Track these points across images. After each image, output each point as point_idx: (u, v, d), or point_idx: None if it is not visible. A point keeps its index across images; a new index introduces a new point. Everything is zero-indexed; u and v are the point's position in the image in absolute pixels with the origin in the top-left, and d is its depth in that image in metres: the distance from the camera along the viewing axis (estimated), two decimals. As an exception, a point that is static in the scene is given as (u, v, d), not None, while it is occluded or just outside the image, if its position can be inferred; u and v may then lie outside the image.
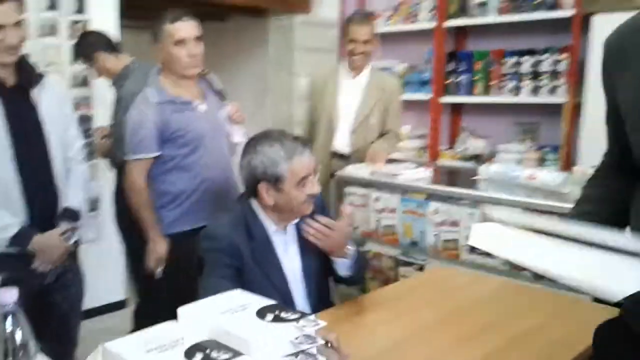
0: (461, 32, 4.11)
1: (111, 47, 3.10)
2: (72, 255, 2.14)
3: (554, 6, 3.45)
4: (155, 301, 2.63)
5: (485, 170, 2.66)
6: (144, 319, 3.35)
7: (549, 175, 2.39)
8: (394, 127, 3.21)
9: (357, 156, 3.08)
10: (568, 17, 3.40)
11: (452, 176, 3.13)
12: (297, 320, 1.25)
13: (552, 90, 3.51)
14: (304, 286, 1.83)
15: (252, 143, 1.77)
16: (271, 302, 1.38)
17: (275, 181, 1.71)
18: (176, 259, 2.48)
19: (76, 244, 2.15)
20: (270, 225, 1.79)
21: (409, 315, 1.74)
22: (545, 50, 3.56)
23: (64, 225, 2.04)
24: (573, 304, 1.83)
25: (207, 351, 1.13)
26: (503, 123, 3.94)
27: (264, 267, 1.75)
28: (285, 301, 1.69)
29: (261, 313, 1.30)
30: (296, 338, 1.20)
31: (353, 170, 2.88)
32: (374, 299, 1.92)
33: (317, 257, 1.85)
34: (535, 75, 3.60)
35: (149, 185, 2.42)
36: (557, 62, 3.47)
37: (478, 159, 3.83)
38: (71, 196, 2.08)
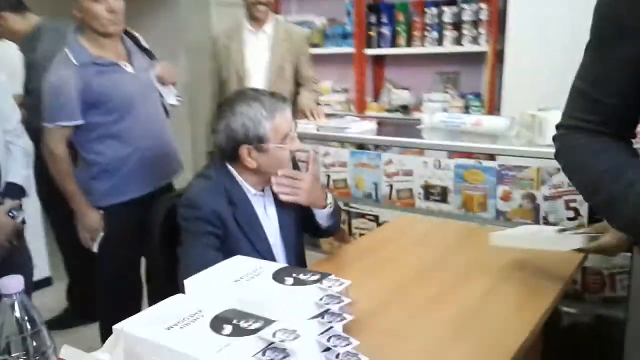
0: (380, -16, 4.12)
1: (16, 5, 2.78)
2: (19, 234, 1.94)
3: (473, -44, 3.54)
4: (91, 277, 2.49)
5: (429, 119, 2.72)
6: (80, 296, 3.17)
7: (495, 121, 2.49)
8: (310, 75, 3.19)
9: None
10: (486, -33, 3.50)
11: (396, 127, 3.17)
12: (319, 281, 1.22)
13: (474, 40, 3.63)
14: (283, 248, 1.80)
15: (228, 105, 1.67)
16: (280, 264, 1.34)
17: (259, 142, 1.64)
18: (113, 232, 2.34)
19: (23, 221, 1.95)
20: (249, 188, 1.73)
21: (393, 265, 1.76)
22: (465, 0, 3.66)
23: (8, 202, 1.83)
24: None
25: (235, 321, 1.07)
26: (425, 73, 4.04)
27: (247, 232, 1.69)
28: None
29: (278, 277, 1.26)
30: (321, 299, 1.18)
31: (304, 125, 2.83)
32: (350, 255, 1.92)
33: (293, 215, 1.82)
34: (457, 25, 3.69)
35: (79, 155, 2.25)
36: (479, 11, 3.58)
37: (405, 109, 3.91)
38: (13, 171, 1.87)
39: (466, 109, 3.72)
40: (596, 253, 1.57)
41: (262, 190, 1.76)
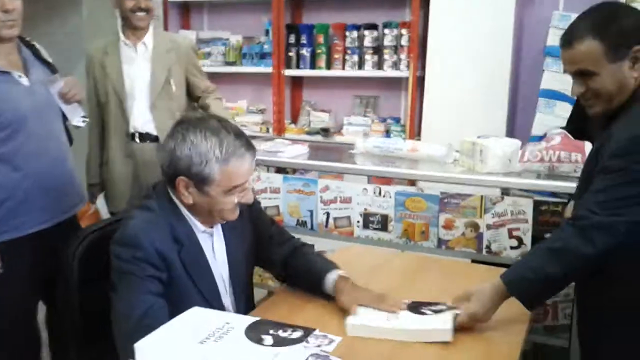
0: (298, 4, 4.04)
1: None
2: None
3: (394, -18, 3.56)
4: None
5: (362, 144, 2.64)
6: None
7: (432, 147, 2.46)
8: (208, 85, 2.79)
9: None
10: (407, -7, 3.53)
11: (327, 152, 3.06)
12: (303, 339, 1.07)
13: (395, 65, 3.64)
14: (231, 288, 1.60)
15: (183, 127, 1.43)
16: (249, 318, 1.17)
17: (201, 182, 1.42)
18: (5, 274, 1.99)
19: None
20: (197, 224, 1.52)
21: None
22: (385, 25, 3.66)
23: None
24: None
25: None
26: (344, 96, 4.00)
27: (194, 275, 1.48)
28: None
29: (253, 336, 1.08)
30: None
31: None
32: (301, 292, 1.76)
33: (243, 250, 1.64)
34: (378, 49, 3.69)
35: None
36: (400, 36, 3.59)
37: (325, 132, 3.83)
38: None
39: (387, 134, 3.71)
40: (469, 325, 1.45)
41: (211, 227, 1.56)
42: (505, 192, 2.31)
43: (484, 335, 1.45)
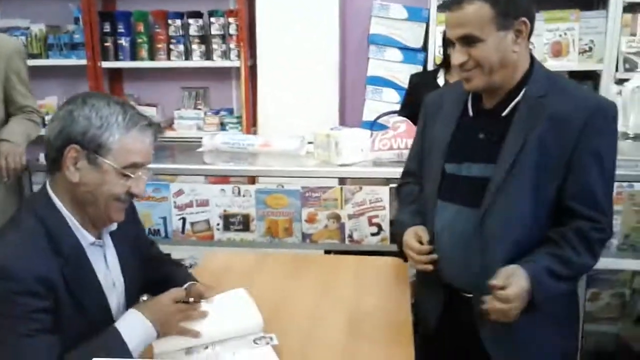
0: (109, -10, 3.69)
1: None
2: None
3: (216, -32, 3.42)
4: None
5: (210, 142, 2.52)
6: None
7: (285, 141, 2.43)
8: (26, 104, 2.40)
9: None
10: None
11: (164, 150, 2.85)
12: None
13: (224, 54, 3.52)
14: (125, 305, 1.38)
15: (82, 95, 1.25)
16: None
17: (95, 149, 1.20)
18: None
19: None
20: (83, 234, 1.27)
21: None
22: (211, 14, 3.52)
23: None
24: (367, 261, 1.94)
25: None
26: (171, 88, 3.77)
27: (81, 298, 1.24)
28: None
29: None
30: None
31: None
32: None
33: (138, 266, 1.44)
34: (204, 38, 3.53)
35: None
36: (227, 25, 3.48)
37: (156, 126, 3.57)
38: None
39: (222, 126, 3.60)
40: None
41: (100, 238, 1.32)
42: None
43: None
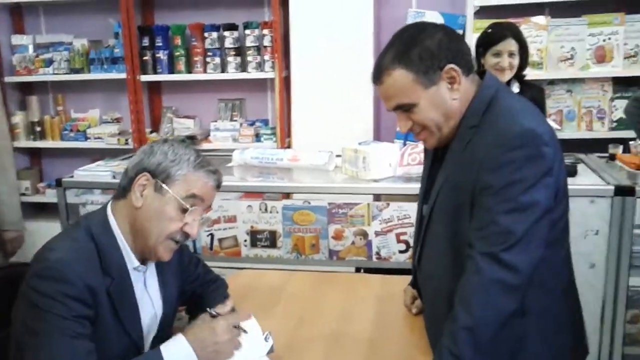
0: (149, 4, 3.77)
1: None
2: None
3: (251, -19, 3.44)
4: None
5: (240, 156, 2.53)
6: None
7: (313, 156, 2.41)
8: None
9: None
10: (266, -7, 3.44)
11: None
12: None
13: (259, 66, 3.54)
14: (158, 327, 1.44)
15: (166, 138, 1.42)
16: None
17: (163, 179, 1.30)
18: None
19: None
20: (130, 257, 1.34)
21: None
22: (246, 26, 3.55)
23: None
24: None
25: None
26: (208, 100, 3.82)
27: (121, 315, 1.31)
28: (136, 354, 1.30)
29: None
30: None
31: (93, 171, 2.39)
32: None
33: (177, 294, 1.50)
34: (240, 50, 3.56)
35: None
36: (262, 37, 3.49)
37: (192, 139, 3.63)
38: None
39: (257, 137, 3.61)
40: None
41: (144, 263, 1.38)
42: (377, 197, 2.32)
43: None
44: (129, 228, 1.32)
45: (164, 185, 1.29)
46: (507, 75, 2.45)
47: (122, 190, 1.34)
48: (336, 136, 2.98)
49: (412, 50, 1.25)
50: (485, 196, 1.21)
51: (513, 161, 1.18)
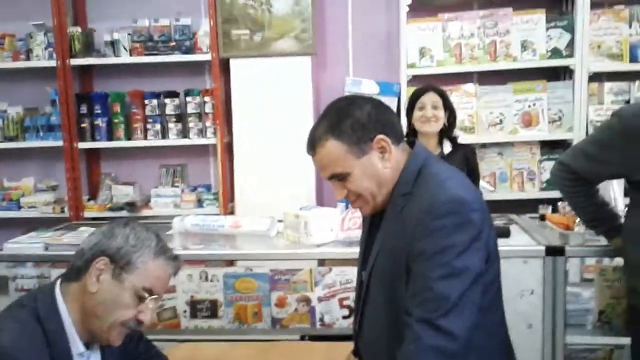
0: (87, 72, 3.75)
1: None
2: None
3: (191, 50, 3.49)
4: None
5: (180, 224, 2.49)
6: None
7: (255, 221, 2.40)
8: None
9: None
10: (206, 61, 3.49)
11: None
12: None
13: (200, 132, 3.55)
14: None
15: (126, 220, 1.45)
16: None
17: (123, 266, 1.28)
18: None
19: None
20: (76, 342, 1.30)
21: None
22: (187, 93, 3.58)
23: None
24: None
25: None
26: (149, 166, 3.78)
27: None
28: None
29: None
30: None
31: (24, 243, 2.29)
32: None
33: None
34: (181, 117, 3.57)
35: None
36: (203, 104, 3.53)
37: (131, 206, 3.56)
38: None
39: (199, 203, 3.58)
40: None
41: (88, 347, 1.33)
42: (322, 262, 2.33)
43: None
44: (79, 312, 1.30)
45: (123, 273, 1.28)
46: (433, 127, 2.56)
47: (75, 272, 1.32)
48: (279, 200, 2.98)
49: (344, 121, 1.30)
50: (419, 263, 1.23)
51: (443, 228, 1.22)
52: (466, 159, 2.60)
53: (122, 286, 1.28)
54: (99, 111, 3.59)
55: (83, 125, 3.58)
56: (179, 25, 3.52)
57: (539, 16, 3.17)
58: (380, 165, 1.31)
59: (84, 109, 3.59)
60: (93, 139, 3.60)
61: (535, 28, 3.17)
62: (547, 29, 3.17)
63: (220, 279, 2.19)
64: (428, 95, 2.59)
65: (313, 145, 1.33)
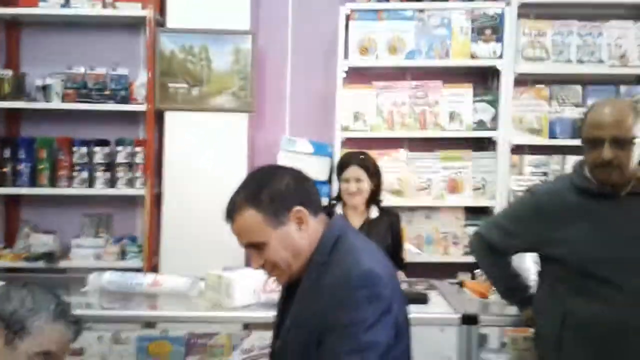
0: (15, 116, 3.64)
1: None
2: None
3: (126, 99, 3.46)
4: None
5: (96, 280, 2.39)
6: None
7: (176, 280, 2.33)
8: None
9: None
10: (141, 111, 3.46)
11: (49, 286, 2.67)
12: None
13: (129, 182, 3.47)
14: None
15: (25, 282, 1.37)
16: None
17: (17, 331, 1.24)
18: None
19: None
20: None
21: None
22: (118, 142, 3.51)
23: None
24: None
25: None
26: (71, 215, 3.64)
27: None
28: None
29: None
30: None
31: None
32: None
33: None
34: (110, 166, 3.49)
35: None
36: (135, 154, 3.46)
37: (50, 257, 3.40)
38: None
39: (122, 255, 3.46)
40: None
41: None
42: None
43: None
44: None
45: (16, 338, 1.24)
46: (358, 199, 2.62)
47: None
48: (206, 256, 2.92)
49: (263, 191, 1.32)
50: (328, 336, 1.24)
51: (354, 301, 1.23)
52: (391, 225, 2.65)
53: (15, 353, 1.24)
54: (23, 156, 3.46)
55: (4, 169, 3.44)
56: (115, 74, 3.48)
57: (467, 90, 3.35)
58: (297, 235, 1.33)
59: (7, 153, 3.46)
60: (14, 185, 3.46)
61: (463, 101, 3.34)
62: (474, 102, 3.35)
63: (133, 342, 2.10)
64: (351, 169, 2.65)
65: (231, 213, 1.34)
